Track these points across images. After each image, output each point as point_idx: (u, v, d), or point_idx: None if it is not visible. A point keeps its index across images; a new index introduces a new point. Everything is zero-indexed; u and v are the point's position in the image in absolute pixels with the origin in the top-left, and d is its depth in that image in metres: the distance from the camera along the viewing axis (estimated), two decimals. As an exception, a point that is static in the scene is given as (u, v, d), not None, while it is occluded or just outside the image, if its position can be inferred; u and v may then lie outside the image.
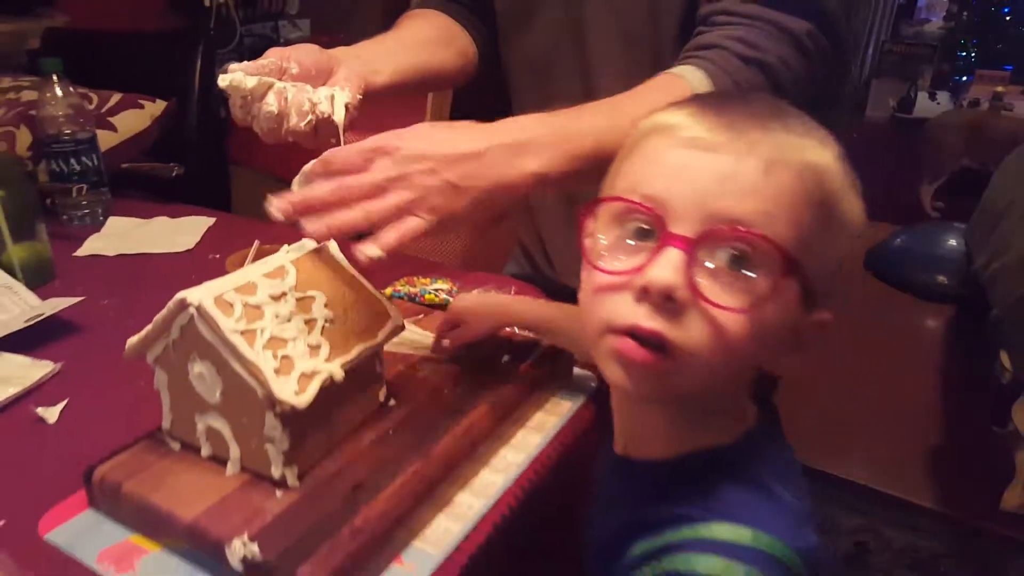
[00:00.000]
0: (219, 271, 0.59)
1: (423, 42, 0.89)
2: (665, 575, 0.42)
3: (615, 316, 0.43)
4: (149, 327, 0.54)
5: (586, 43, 0.88)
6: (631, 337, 0.42)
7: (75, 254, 1.05)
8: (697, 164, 0.42)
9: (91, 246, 1.07)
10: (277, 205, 0.54)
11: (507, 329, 0.73)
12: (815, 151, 0.44)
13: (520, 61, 0.98)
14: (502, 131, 0.60)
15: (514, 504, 0.57)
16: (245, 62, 0.70)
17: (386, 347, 0.61)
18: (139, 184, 1.34)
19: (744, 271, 0.42)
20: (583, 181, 0.61)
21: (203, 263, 1.02)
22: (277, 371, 0.50)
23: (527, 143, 0.60)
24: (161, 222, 1.16)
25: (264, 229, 0.94)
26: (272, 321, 0.52)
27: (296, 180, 0.57)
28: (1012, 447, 1.56)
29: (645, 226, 0.44)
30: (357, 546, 0.48)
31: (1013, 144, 2.28)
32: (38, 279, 0.93)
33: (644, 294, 0.42)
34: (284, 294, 0.54)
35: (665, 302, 0.41)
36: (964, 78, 4.95)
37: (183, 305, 0.50)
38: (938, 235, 2.77)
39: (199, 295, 0.50)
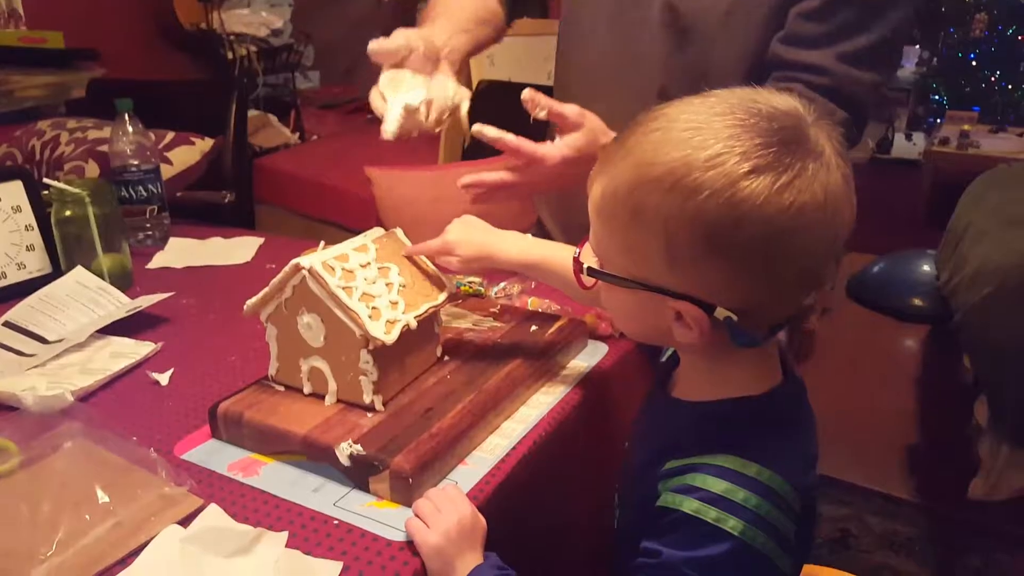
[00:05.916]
0: None
1: (475, 22, 0.96)
2: (684, 486, 0.52)
3: None
4: (266, 289, 0.69)
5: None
6: None
7: (147, 267, 1.20)
8: None
9: (160, 259, 1.23)
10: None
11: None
12: None
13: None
14: None
15: (545, 431, 0.73)
16: (381, 39, 0.80)
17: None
18: (187, 211, 1.51)
19: None
20: None
21: (261, 271, 1.17)
22: (370, 317, 0.66)
23: None
24: (216, 241, 1.32)
25: (308, 244, 1.10)
26: (363, 282, 0.68)
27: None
28: (975, 440, 1.72)
29: None
30: (434, 446, 0.63)
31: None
32: (121, 285, 1.08)
33: None
34: (369, 263, 0.71)
35: None
36: (937, 120, 5.22)
37: (297, 268, 0.66)
38: (912, 262, 2.96)
39: (310, 260, 0.66)
